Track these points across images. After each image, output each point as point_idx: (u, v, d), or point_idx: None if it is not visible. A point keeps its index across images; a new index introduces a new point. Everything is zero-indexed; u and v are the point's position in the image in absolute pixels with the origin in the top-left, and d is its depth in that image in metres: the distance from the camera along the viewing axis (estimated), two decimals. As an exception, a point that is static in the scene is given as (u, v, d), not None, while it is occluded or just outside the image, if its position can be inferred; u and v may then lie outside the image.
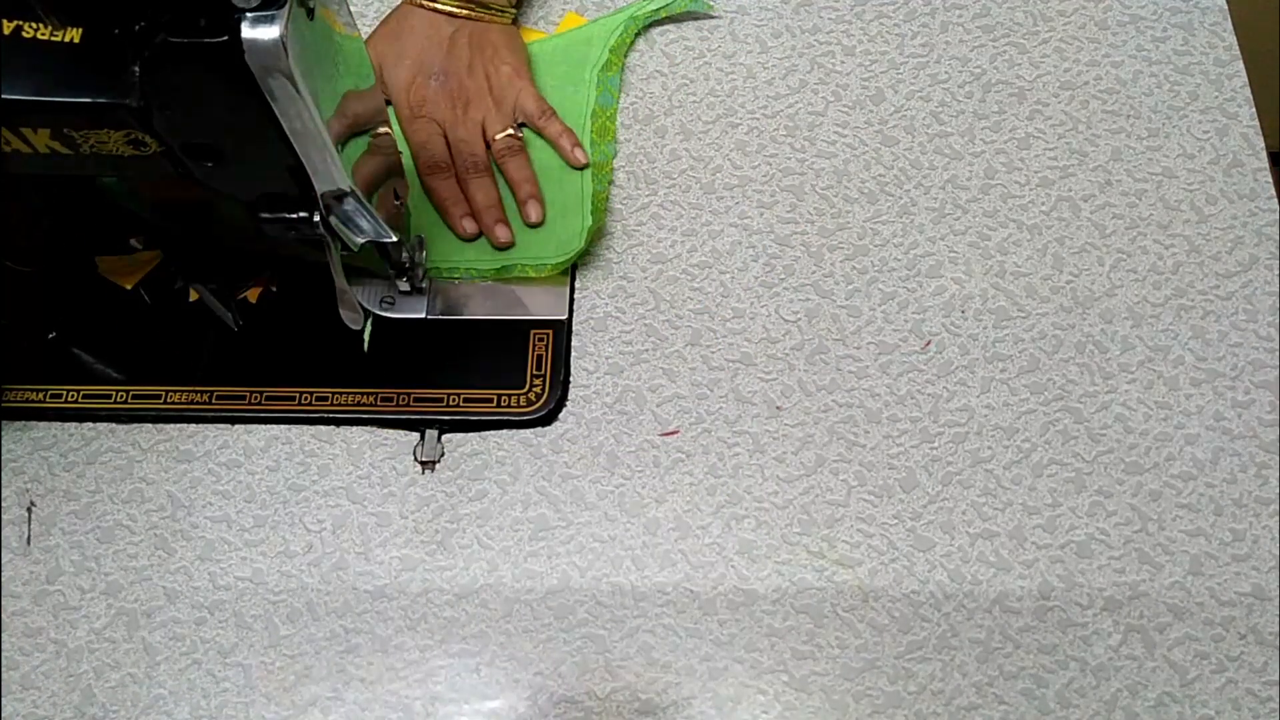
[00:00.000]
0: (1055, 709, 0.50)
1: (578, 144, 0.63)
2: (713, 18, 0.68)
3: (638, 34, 0.68)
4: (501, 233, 0.60)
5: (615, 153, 0.64)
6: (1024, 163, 0.63)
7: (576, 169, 0.62)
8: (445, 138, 0.62)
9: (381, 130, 0.53)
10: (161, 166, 0.47)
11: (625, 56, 0.67)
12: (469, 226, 0.61)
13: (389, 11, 0.66)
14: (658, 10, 0.67)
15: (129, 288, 0.62)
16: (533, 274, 0.60)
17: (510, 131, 0.62)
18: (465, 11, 0.64)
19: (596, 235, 0.61)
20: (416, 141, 0.62)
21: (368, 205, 0.50)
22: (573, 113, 0.64)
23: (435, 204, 0.62)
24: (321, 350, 0.60)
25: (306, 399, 0.58)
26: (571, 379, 0.59)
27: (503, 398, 0.58)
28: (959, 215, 0.62)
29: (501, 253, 0.61)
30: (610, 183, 0.63)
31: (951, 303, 0.59)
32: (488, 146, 0.63)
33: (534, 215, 0.61)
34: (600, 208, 0.61)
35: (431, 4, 0.64)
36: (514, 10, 0.66)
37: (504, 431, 0.58)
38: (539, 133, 0.64)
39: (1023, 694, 0.51)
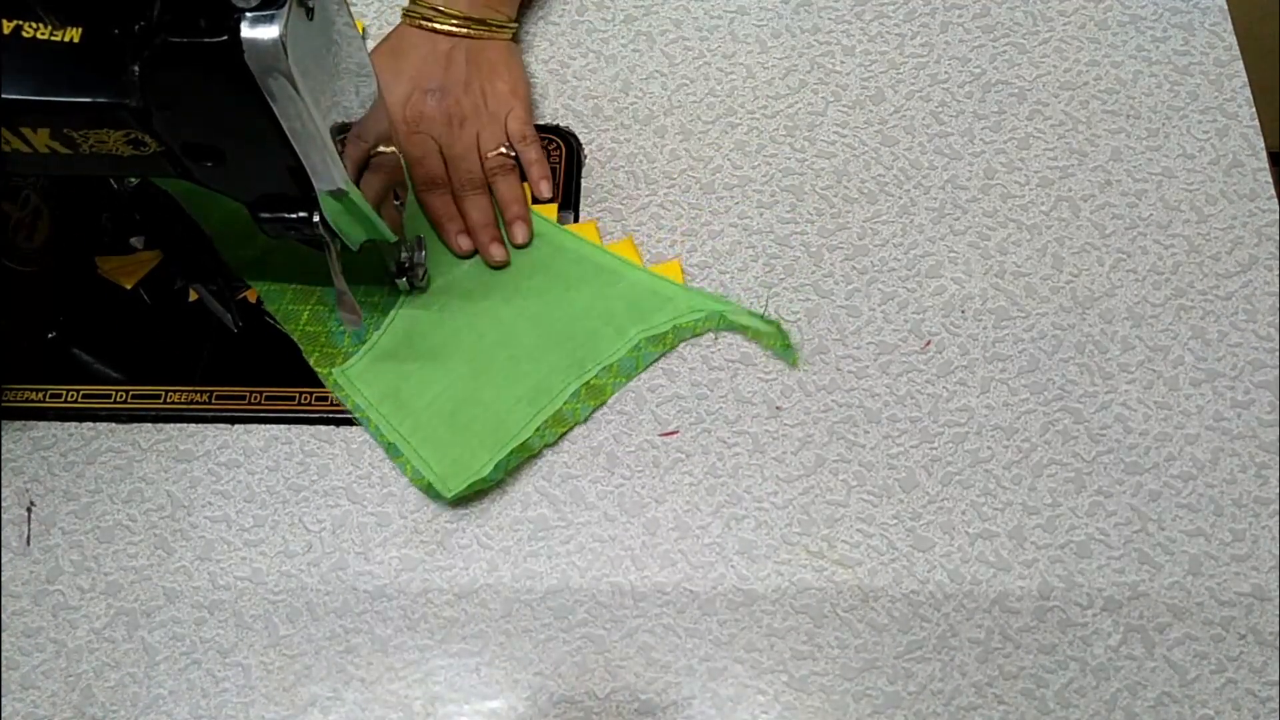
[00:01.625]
0: (1055, 709, 0.50)
1: (547, 177, 0.62)
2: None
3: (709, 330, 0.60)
4: (497, 251, 0.60)
5: (586, 419, 0.57)
6: (1024, 163, 0.63)
7: (538, 200, 0.62)
8: (442, 154, 0.62)
9: (387, 149, 0.53)
10: (161, 166, 0.47)
11: (679, 344, 0.59)
12: (464, 243, 0.61)
13: (389, 29, 0.66)
14: (745, 327, 0.59)
15: (129, 288, 0.62)
16: (408, 474, 0.55)
17: (503, 150, 0.62)
18: (464, 30, 0.63)
19: (478, 487, 0.55)
20: (413, 157, 0.62)
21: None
22: (592, 350, 0.58)
23: (431, 220, 0.62)
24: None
25: (306, 399, 0.58)
26: (571, 379, 0.58)
27: (502, 398, 0.58)
28: (959, 215, 0.62)
29: (404, 430, 0.56)
30: (551, 446, 0.56)
31: (951, 303, 0.59)
32: (484, 163, 0.63)
33: (520, 236, 0.61)
34: (512, 465, 0.55)
35: (430, 24, 0.63)
36: (514, 25, 0.66)
37: (504, 431, 0.57)
38: (518, 154, 0.62)
39: (1023, 694, 0.51)
